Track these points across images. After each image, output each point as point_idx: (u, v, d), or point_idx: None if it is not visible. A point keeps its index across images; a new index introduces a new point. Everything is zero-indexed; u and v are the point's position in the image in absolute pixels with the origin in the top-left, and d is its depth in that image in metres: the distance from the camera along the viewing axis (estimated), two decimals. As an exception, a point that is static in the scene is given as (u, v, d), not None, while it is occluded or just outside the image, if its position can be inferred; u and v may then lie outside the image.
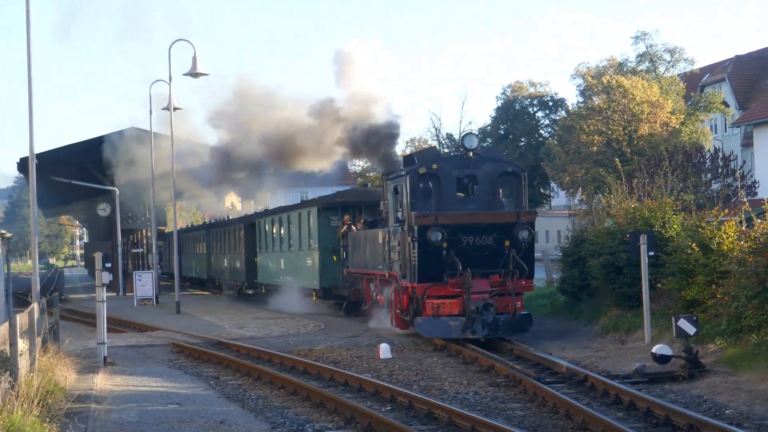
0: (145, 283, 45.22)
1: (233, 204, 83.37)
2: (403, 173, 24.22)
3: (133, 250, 64.24)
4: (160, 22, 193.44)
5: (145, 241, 62.26)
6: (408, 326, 24.32)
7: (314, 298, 34.92)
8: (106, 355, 22.10)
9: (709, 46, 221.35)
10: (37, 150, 25.73)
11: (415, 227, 22.53)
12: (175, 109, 41.70)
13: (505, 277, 22.51)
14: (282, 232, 39.47)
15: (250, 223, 45.93)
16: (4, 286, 33.24)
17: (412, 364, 20.65)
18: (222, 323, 33.28)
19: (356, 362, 21.29)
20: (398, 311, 24.33)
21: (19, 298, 41.00)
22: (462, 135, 22.91)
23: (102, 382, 19.33)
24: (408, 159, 25.41)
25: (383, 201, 26.74)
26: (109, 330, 23.66)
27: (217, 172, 47.07)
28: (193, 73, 38.17)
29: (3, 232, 35.52)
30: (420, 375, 19.23)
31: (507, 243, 22.69)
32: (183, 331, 29.91)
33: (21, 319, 15.92)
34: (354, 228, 30.51)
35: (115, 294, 49.02)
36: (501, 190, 24.86)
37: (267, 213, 44.96)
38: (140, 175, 48.92)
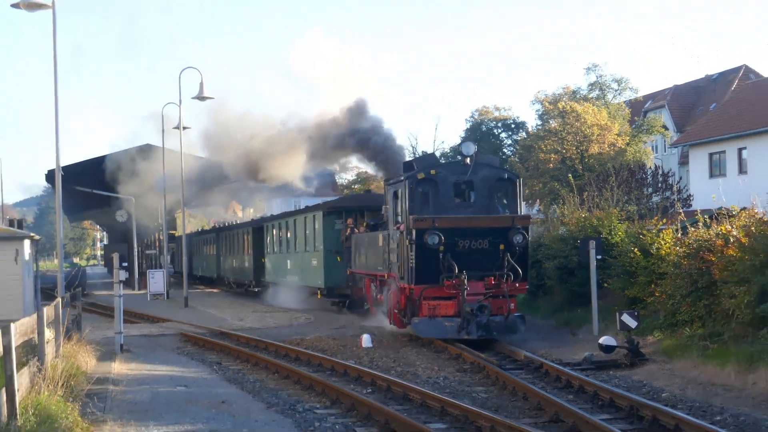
0: (157, 280, 45.22)
1: (235, 212, 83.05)
2: (402, 178, 22.19)
3: (147, 252, 64.01)
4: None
5: (157, 244, 62.01)
6: (405, 326, 22.28)
7: (319, 296, 32.95)
8: (122, 343, 22.07)
9: (651, 76, 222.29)
10: (63, 163, 25.66)
11: (413, 230, 20.55)
12: (184, 128, 41.68)
13: (499, 280, 20.52)
14: (288, 234, 37.35)
15: (258, 227, 44.16)
16: (33, 283, 33.09)
17: (390, 352, 20.67)
18: (224, 316, 33.23)
19: (341, 350, 21.28)
20: (396, 311, 22.23)
21: (46, 293, 40.74)
22: (460, 142, 20.96)
23: (119, 366, 19.29)
24: (407, 165, 23.52)
25: (385, 205, 24.38)
26: (125, 321, 23.61)
27: (198, 188, 48.12)
28: (200, 97, 38.09)
29: (32, 234, 35.35)
30: (397, 362, 19.24)
31: (502, 247, 20.68)
32: (190, 323, 29.86)
33: (47, 311, 15.87)
34: (357, 231, 28.27)
35: (131, 290, 48.86)
36: (497, 196, 22.38)
37: (274, 217, 43.15)
38: (149, 186, 48.99)
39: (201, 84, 37.92)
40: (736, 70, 73.37)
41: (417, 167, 22.05)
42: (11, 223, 43.67)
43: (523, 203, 21.95)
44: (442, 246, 20.19)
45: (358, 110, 32.14)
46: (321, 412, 14.01)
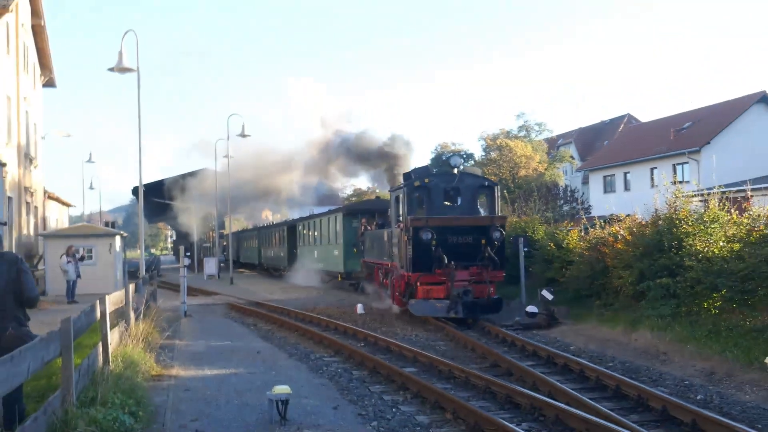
0: (211, 265, 45.26)
1: (267, 216, 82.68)
2: (401, 186, 20.25)
3: (204, 245, 63.65)
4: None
5: (210, 239, 61.74)
6: (405, 305, 19.86)
7: (339, 279, 30.79)
8: (186, 310, 21.95)
9: (563, 120, 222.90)
10: (145, 181, 25.57)
11: (411, 228, 18.57)
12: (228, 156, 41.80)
13: (481, 269, 18.40)
14: (315, 231, 35.18)
15: (292, 226, 41.81)
16: (122, 267, 32.97)
17: (377, 317, 20.55)
18: (259, 291, 33.04)
19: (342, 316, 21.14)
20: (397, 294, 20.26)
21: (132, 274, 40.53)
22: (448, 156, 19.27)
23: (183, 327, 19.17)
24: (406, 175, 21.11)
25: (390, 208, 22.18)
26: (188, 294, 23.47)
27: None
28: (243, 135, 38.06)
29: (122, 232, 35.16)
30: (382, 324, 19.15)
31: (483, 241, 18.55)
32: (234, 295, 29.68)
33: (132, 287, 15.81)
34: (369, 228, 26.08)
35: (192, 272, 48.67)
36: (479, 200, 20.51)
37: (304, 218, 40.65)
38: (204, 198, 49.18)
39: (243, 126, 37.88)
40: (622, 117, 74.55)
41: (414, 177, 20.21)
42: (106, 224, 43.57)
43: (498, 205, 20.20)
44: (434, 241, 18.41)
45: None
46: (327, 359, 13.92)
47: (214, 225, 53.62)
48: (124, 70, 21.89)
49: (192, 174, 51.66)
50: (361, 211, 29.32)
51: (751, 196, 17.25)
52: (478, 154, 66.48)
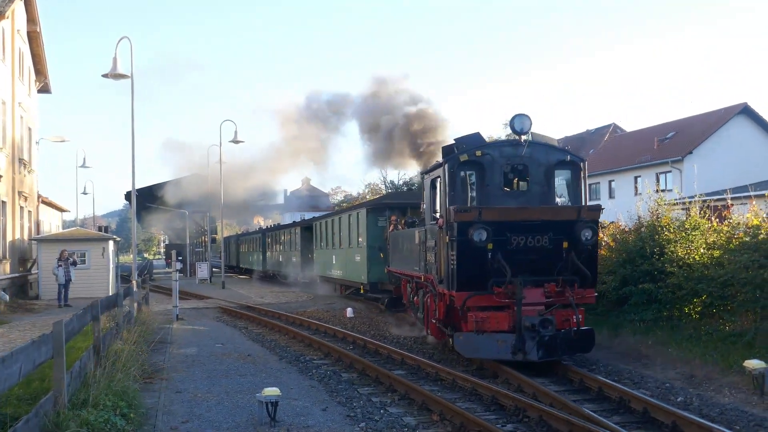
0: (203, 269, 45.22)
1: (259, 222, 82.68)
2: (441, 163, 13.50)
3: (197, 249, 63.61)
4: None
5: (203, 244, 61.63)
6: (444, 336, 14.08)
7: (362, 291, 24.62)
8: (177, 313, 21.89)
9: (547, 130, 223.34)
10: (138, 186, 25.50)
11: (455, 224, 12.28)
12: (224, 162, 41.67)
13: (564, 286, 12.27)
14: (334, 232, 28.70)
15: (307, 226, 35.46)
16: (115, 271, 32.86)
17: (366, 320, 20.57)
18: (250, 295, 32.99)
19: (332, 319, 21.17)
20: (434, 321, 14.04)
21: (125, 278, 40.39)
22: (512, 118, 13.64)
23: (175, 330, 19.13)
24: (447, 148, 14.04)
25: (422, 199, 15.66)
26: (180, 298, 23.41)
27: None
28: (235, 141, 37.98)
29: (115, 237, 35.06)
30: (371, 327, 19.16)
31: (565, 244, 12.55)
32: (226, 299, 29.63)
33: (124, 291, 15.79)
34: (399, 228, 19.42)
35: (184, 276, 48.55)
36: (556, 183, 13.79)
37: (321, 217, 34.64)
38: (196, 203, 49.12)
39: (236, 132, 37.79)
40: (608, 126, 74.37)
41: (459, 149, 13.46)
42: (100, 229, 43.45)
43: (586, 191, 13.67)
44: (491, 243, 12.25)
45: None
46: (317, 362, 13.93)
47: (206, 230, 53.49)
48: (118, 76, 21.86)
49: (184, 179, 51.57)
50: (390, 206, 22.94)
51: (731, 204, 17.38)
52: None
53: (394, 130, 21.87)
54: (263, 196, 58.69)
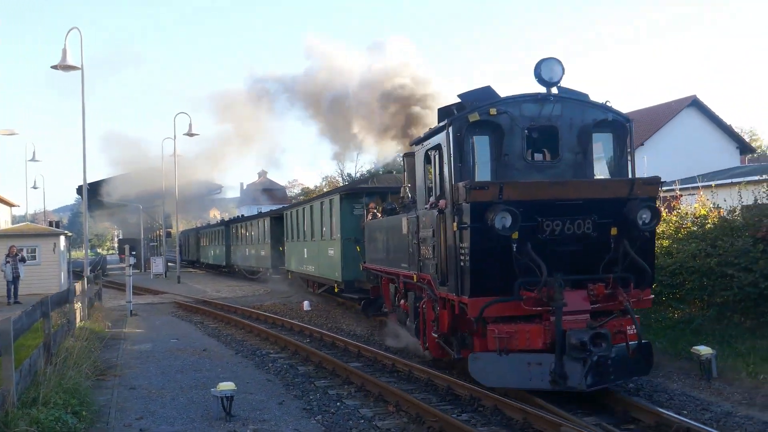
0: (158, 264, 44.68)
1: (216, 216, 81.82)
2: (443, 125, 10.05)
3: (151, 244, 62.71)
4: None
5: (158, 238, 60.80)
6: (445, 354, 10.86)
7: (336, 290, 21.41)
8: (132, 309, 21.60)
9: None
10: (91, 179, 25.06)
11: (467, 206, 9.08)
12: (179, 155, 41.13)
13: (615, 286, 9.20)
14: (305, 222, 24.91)
15: (276, 216, 32.00)
16: (67, 266, 32.22)
17: (323, 313, 20.55)
18: (206, 289, 32.69)
19: (289, 312, 21.10)
20: (435, 335, 10.71)
21: (77, 274, 39.66)
22: (538, 61, 9.92)
23: (129, 326, 18.87)
24: (446, 109, 10.44)
25: (404, 184, 13.22)
26: (133, 294, 23.08)
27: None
28: (190, 134, 37.53)
29: (66, 232, 34.32)
30: (328, 320, 19.15)
31: (614, 231, 9.32)
32: (181, 294, 29.30)
33: (76, 287, 15.52)
34: (379, 216, 16.01)
35: (138, 271, 47.88)
36: (595, 150, 10.29)
37: (293, 205, 31.11)
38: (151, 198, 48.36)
39: (190, 125, 37.34)
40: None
41: (467, 106, 9.98)
42: (51, 223, 42.49)
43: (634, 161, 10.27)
44: (516, 231, 8.94)
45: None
46: (274, 355, 13.86)
47: (161, 224, 52.72)
48: (67, 68, 21.42)
49: (138, 172, 50.72)
50: (368, 191, 19.77)
51: (680, 195, 17.77)
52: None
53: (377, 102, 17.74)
54: (209, 190, 57.92)
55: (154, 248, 58.91)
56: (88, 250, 25.59)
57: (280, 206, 43.13)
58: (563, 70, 9.99)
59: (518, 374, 8.87)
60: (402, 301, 13.20)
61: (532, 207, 9.06)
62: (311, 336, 16.12)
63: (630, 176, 10.07)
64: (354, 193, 20.18)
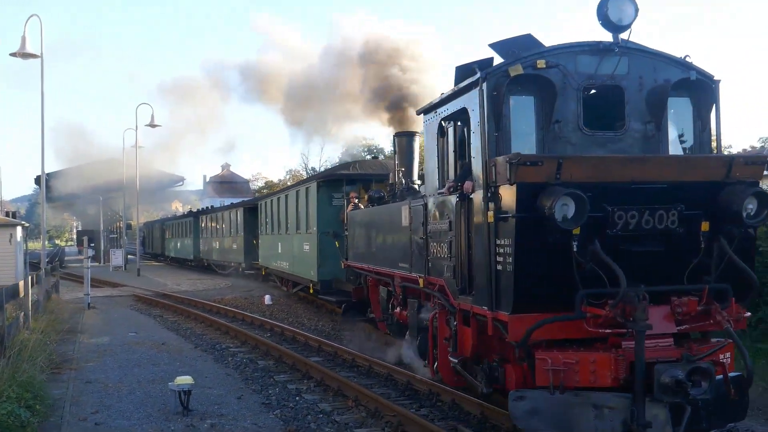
0: (117, 256, 44.08)
1: (178, 208, 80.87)
2: (474, 80, 7.14)
3: (111, 236, 61.76)
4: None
5: (118, 230, 59.90)
6: (460, 381, 8.33)
7: (311, 291, 19.20)
8: (89, 301, 21.28)
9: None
10: (49, 169, 24.59)
11: (513, 188, 6.37)
12: (140, 147, 40.54)
13: (709, 301, 6.51)
14: (279, 214, 22.73)
15: (251, 207, 29.94)
16: (24, 258, 31.61)
17: (285, 308, 20.46)
18: (166, 282, 32.33)
19: (250, 306, 20.98)
20: (454, 360, 7.99)
21: (34, 266, 38.95)
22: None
23: (86, 319, 18.60)
24: (466, 68, 7.47)
25: (396, 168, 12.18)
26: (91, 286, 22.72)
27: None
28: (152, 125, 37.05)
29: (23, 222, 33.72)
30: (289, 314, 19.07)
31: (705, 226, 6.67)
32: (141, 287, 28.94)
33: (33, 279, 15.25)
34: (361, 206, 14.51)
35: (97, 263, 47.19)
36: (671, 117, 7.53)
37: (269, 195, 28.14)
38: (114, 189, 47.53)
39: (152, 116, 36.87)
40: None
41: (504, 58, 7.22)
42: (7, 214, 41.60)
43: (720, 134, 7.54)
44: (578, 227, 6.29)
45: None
46: (234, 350, 13.78)
47: (121, 216, 51.92)
48: (27, 55, 20.98)
49: (98, 163, 49.86)
50: (348, 178, 17.51)
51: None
52: (388, 148, 67.03)
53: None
54: (170, 182, 57.12)
55: (114, 240, 58.06)
56: (46, 242, 25.11)
57: (242, 199, 42.71)
58: (636, 10, 7.33)
59: (580, 421, 6.36)
60: (398, 309, 11.03)
61: (601, 191, 6.49)
62: (272, 330, 16.05)
63: (719, 151, 7.72)
64: (333, 181, 17.73)
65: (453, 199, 7.87)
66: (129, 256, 47.34)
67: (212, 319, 17.62)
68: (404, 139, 11.11)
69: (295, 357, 12.09)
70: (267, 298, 21.67)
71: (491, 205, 6.84)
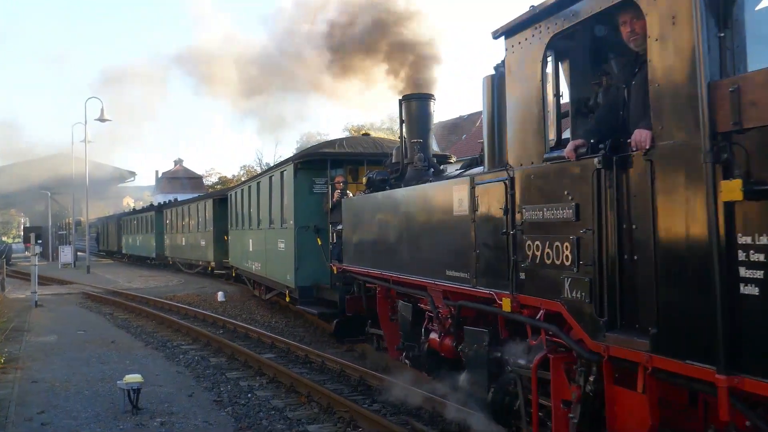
0: (66, 253, 43.14)
1: (129, 204, 79.46)
2: None
3: (59, 232, 60.46)
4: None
5: (67, 227, 58.61)
6: None
7: (287, 299, 15.77)
8: (37, 299, 20.81)
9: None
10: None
11: None
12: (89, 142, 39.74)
13: None
14: (251, 204, 19.53)
15: (221, 198, 26.56)
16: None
17: (238, 304, 20.30)
18: (117, 279, 31.77)
19: (203, 303, 20.75)
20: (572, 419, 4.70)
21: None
22: None
23: (33, 317, 18.19)
24: None
25: (402, 140, 10.05)
26: (39, 284, 22.25)
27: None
28: (101, 119, 36.38)
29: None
30: (243, 311, 18.93)
31: None
32: (91, 284, 28.39)
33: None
34: (349, 194, 12.73)
35: (46, 260, 46.15)
36: None
37: (240, 184, 23.98)
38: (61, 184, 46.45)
39: (102, 110, 36.20)
40: (479, 112, 76.68)
41: None
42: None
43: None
44: None
45: None
46: (185, 347, 13.63)
47: (70, 212, 50.83)
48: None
49: (44, 159, 48.77)
50: (334, 158, 14.23)
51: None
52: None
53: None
54: (122, 177, 56.06)
55: (64, 237, 56.84)
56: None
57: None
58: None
59: None
60: (436, 337, 7.69)
61: None
62: (224, 327, 15.93)
63: None
64: (315, 162, 14.35)
65: (591, 165, 4.57)
66: (79, 253, 46.39)
67: (164, 317, 17.41)
68: (415, 103, 8.95)
69: (247, 354, 12.03)
70: (220, 295, 21.48)
71: (735, 171, 3.51)
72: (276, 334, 14.23)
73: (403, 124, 9.99)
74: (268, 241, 17.01)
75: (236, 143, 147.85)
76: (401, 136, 10.09)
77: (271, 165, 58.70)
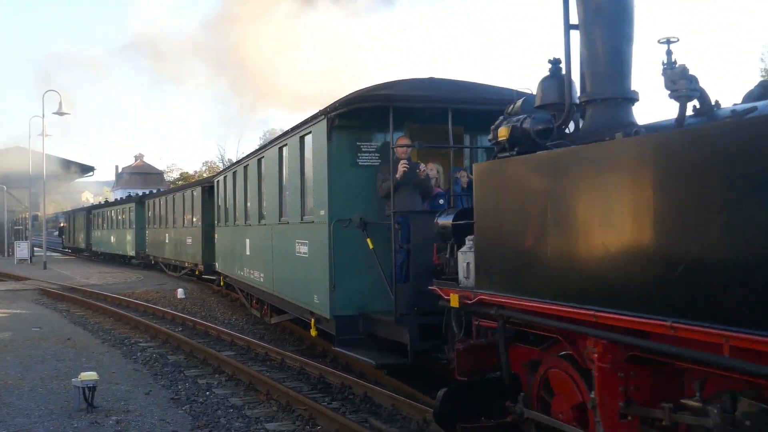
0: (23, 248, 42.38)
1: (88, 199, 78.16)
2: None
3: (15, 227, 59.16)
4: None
5: (24, 222, 57.33)
6: None
7: (313, 332, 10.19)
8: (-10, 296, 20.37)
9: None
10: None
11: None
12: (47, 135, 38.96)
13: None
14: (249, 190, 14.36)
15: (210, 186, 21.72)
16: None
17: (198, 302, 20.09)
18: (74, 275, 31.19)
19: (162, 300, 20.50)
20: None
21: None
22: None
23: (-14, 313, 17.80)
24: None
25: (586, 74, 4.98)
26: (-7, 279, 21.77)
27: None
28: (60, 113, 35.72)
29: None
30: (203, 308, 18.74)
31: None
32: (47, 281, 27.83)
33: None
34: (423, 168, 8.26)
35: (1, 257, 45.19)
36: None
37: (235, 163, 18.26)
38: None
39: (60, 103, 35.57)
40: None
41: None
42: None
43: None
44: None
45: None
46: (143, 345, 13.43)
47: (27, 206, 49.74)
48: None
49: (2, 152, 47.67)
50: (396, 109, 8.32)
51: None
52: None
53: None
54: (81, 171, 54.91)
55: (20, 232, 55.60)
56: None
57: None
58: None
59: None
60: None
61: None
62: (184, 324, 15.75)
63: None
64: (364, 111, 8.76)
65: None
66: (36, 249, 45.45)
67: (122, 314, 17.14)
68: None
69: (206, 351, 11.90)
70: (180, 292, 21.24)
71: None
72: (236, 332, 14.12)
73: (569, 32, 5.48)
74: (276, 241, 12.07)
75: (197, 138, 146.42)
76: (566, 55, 5.50)
77: (234, 161, 56.22)
